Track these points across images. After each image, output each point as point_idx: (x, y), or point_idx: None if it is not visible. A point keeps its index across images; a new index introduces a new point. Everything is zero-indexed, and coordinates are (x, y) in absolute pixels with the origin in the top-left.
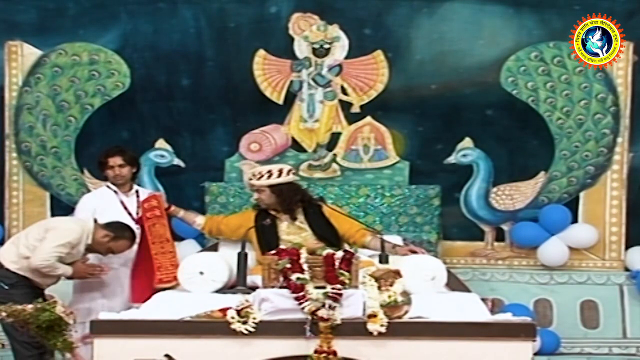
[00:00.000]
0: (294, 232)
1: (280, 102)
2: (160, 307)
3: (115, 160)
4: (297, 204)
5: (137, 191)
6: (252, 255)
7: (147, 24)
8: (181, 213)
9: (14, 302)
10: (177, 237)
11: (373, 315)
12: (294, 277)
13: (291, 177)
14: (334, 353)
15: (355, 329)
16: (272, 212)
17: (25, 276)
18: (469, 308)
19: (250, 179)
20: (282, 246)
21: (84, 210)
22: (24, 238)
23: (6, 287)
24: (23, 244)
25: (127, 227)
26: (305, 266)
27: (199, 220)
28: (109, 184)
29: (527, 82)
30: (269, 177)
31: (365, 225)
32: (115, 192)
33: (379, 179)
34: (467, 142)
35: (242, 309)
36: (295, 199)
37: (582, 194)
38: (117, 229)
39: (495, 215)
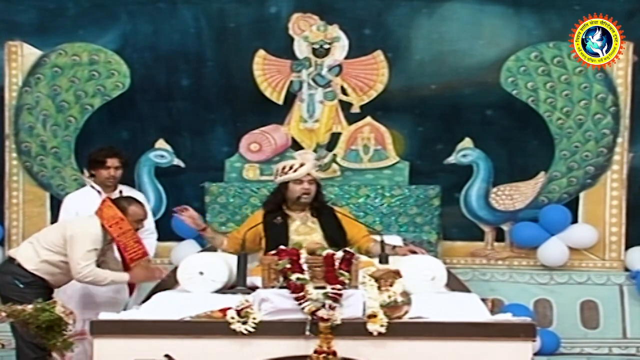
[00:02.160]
0: (304, 232)
1: (280, 102)
2: (160, 307)
3: (114, 162)
4: (319, 201)
5: (120, 191)
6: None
7: (147, 24)
8: (210, 234)
9: (27, 301)
10: (177, 237)
11: (373, 316)
12: (293, 277)
13: None
14: (334, 353)
15: (355, 329)
16: (286, 212)
17: (41, 277)
18: (469, 308)
19: (316, 170)
20: (301, 243)
21: (67, 211)
22: (43, 240)
23: (21, 286)
24: (42, 246)
25: (126, 198)
26: (305, 266)
27: (224, 245)
28: (93, 184)
29: (527, 82)
30: (317, 172)
31: (367, 226)
32: (99, 192)
33: (379, 179)
34: (467, 142)
35: (242, 309)
36: (323, 196)
37: (582, 194)
38: (120, 205)
39: (495, 216)
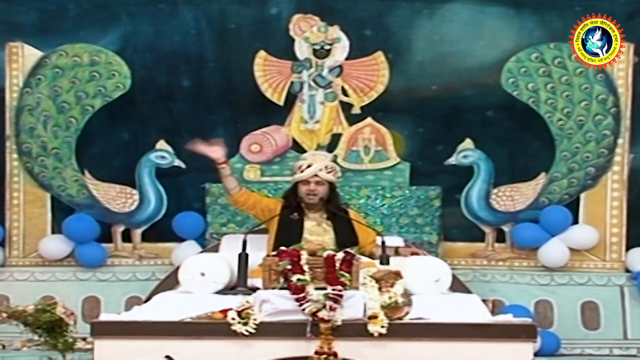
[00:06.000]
0: (317, 232)
1: (281, 103)
2: (161, 308)
3: None
4: (334, 204)
5: None
6: (260, 243)
7: (148, 25)
8: (228, 172)
9: None
10: (177, 238)
11: (374, 317)
12: (294, 278)
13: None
14: (335, 354)
15: (356, 330)
16: (304, 207)
17: None
18: (470, 309)
19: (321, 170)
20: (302, 244)
21: None
22: None
23: None
24: None
25: None
26: (305, 267)
27: (237, 191)
28: None
29: (528, 83)
30: (334, 174)
31: (373, 229)
32: None
33: (379, 180)
34: (468, 143)
35: (243, 310)
36: (338, 200)
37: (582, 195)
38: None
39: (496, 217)
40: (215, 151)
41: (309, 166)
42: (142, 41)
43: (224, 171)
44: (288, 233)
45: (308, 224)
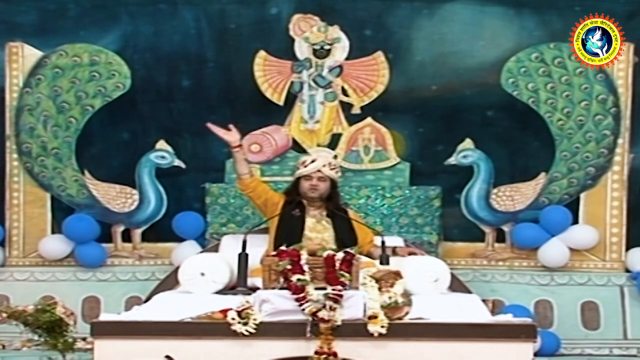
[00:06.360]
0: (318, 230)
1: (281, 103)
2: (161, 308)
3: None
4: (334, 202)
5: None
6: (261, 243)
7: (148, 25)
8: (242, 155)
9: None
10: (177, 238)
11: (373, 317)
12: (294, 278)
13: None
14: (335, 354)
15: (356, 330)
16: (305, 204)
17: None
18: (470, 309)
19: (324, 166)
20: (303, 242)
21: None
22: None
23: None
24: None
25: None
26: (305, 267)
27: (248, 176)
28: None
29: (528, 83)
30: (336, 172)
31: (371, 229)
32: None
33: (379, 180)
34: (468, 143)
35: (243, 310)
36: (338, 198)
37: (582, 195)
38: None
39: (496, 216)
40: (230, 134)
41: (313, 161)
42: (142, 41)
43: (238, 155)
44: (289, 229)
45: (309, 221)
